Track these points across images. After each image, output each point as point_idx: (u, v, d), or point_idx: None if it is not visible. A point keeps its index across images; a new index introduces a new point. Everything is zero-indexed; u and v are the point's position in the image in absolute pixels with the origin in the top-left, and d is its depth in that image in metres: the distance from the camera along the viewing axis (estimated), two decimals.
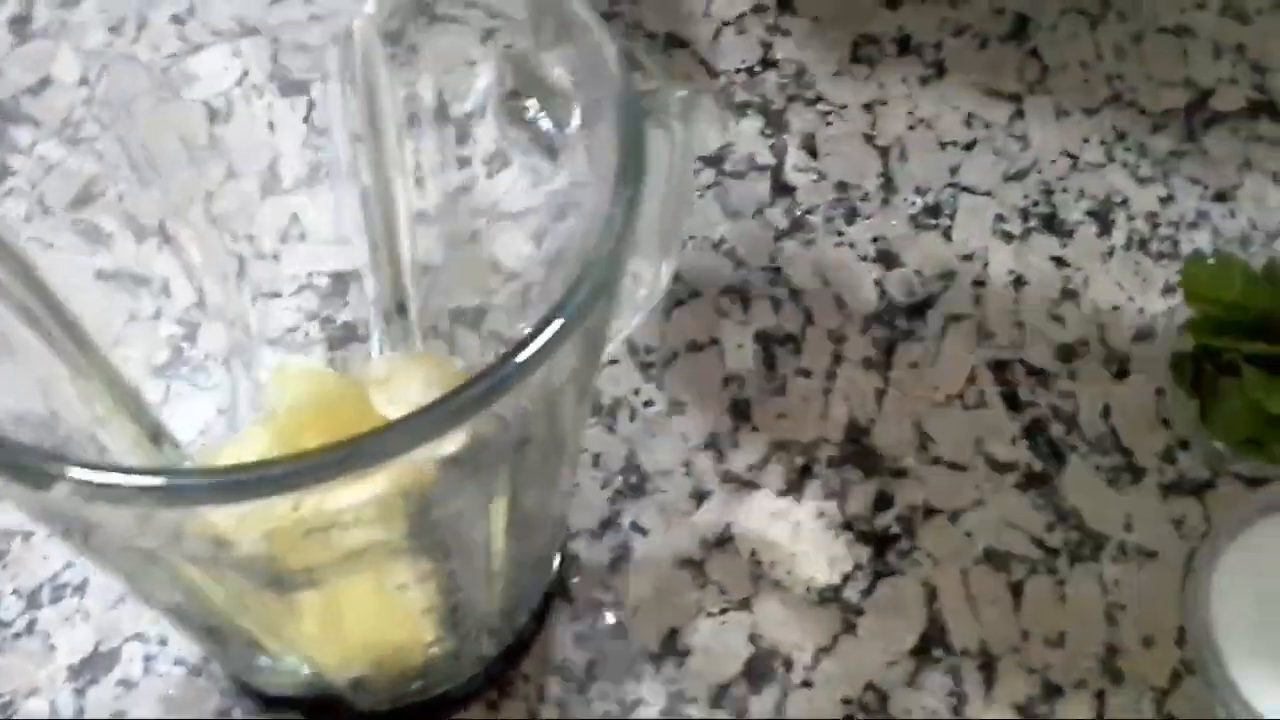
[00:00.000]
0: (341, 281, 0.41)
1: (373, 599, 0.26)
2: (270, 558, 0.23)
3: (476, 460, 0.21)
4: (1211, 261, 0.43)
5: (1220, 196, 0.50)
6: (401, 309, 0.35)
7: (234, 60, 0.35)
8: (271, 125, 0.38)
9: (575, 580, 0.40)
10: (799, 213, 0.49)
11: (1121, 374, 0.45)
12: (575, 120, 0.24)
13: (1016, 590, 0.40)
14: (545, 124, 0.25)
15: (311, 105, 0.33)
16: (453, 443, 0.20)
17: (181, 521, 0.20)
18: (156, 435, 0.32)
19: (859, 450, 0.43)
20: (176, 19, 0.36)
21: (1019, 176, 0.50)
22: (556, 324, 0.19)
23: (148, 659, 0.38)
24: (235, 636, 0.28)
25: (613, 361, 0.45)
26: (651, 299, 0.34)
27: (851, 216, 0.49)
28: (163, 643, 0.38)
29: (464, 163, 0.31)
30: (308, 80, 0.32)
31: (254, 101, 0.38)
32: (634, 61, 0.27)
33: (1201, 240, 0.48)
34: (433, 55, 0.28)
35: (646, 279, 0.34)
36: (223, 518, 0.20)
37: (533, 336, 0.19)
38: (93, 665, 0.38)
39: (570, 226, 0.28)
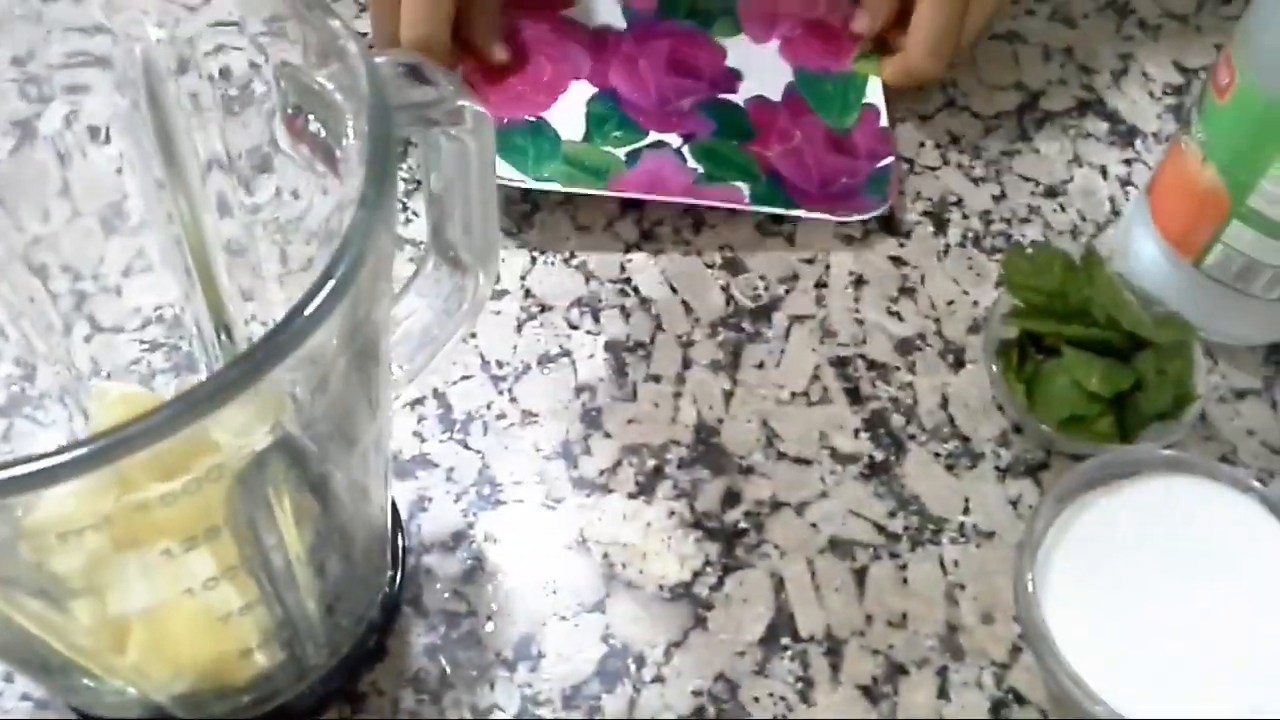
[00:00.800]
0: (178, 315, 0.41)
1: (187, 611, 0.27)
2: (85, 565, 0.23)
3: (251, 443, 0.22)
4: (1031, 253, 0.45)
5: (1050, 192, 0.52)
6: (228, 333, 0.36)
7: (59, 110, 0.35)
8: (83, 156, 0.38)
9: (429, 592, 0.40)
10: (647, 225, 0.50)
11: (958, 364, 0.46)
12: (349, 130, 0.25)
13: (860, 576, 0.41)
14: (326, 139, 0.26)
15: (108, 141, 0.33)
16: (231, 416, 0.21)
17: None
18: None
19: (708, 450, 0.44)
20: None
21: None
22: (314, 302, 0.20)
23: None
24: (56, 664, 0.28)
25: (466, 377, 0.45)
26: (476, 305, 0.35)
27: (698, 226, 0.50)
28: (9, 679, 0.38)
29: (263, 187, 0.32)
30: (108, 120, 0.32)
31: (82, 142, 0.38)
32: (423, 76, 0.28)
33: (1033, 234, 0.50)
34: (219, 81, 0.29)
35: (469, 289, 0.35)
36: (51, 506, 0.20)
37: (293, 314, 0.20)
38: None
39: None
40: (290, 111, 0.27)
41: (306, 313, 0.21)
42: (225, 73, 0.29)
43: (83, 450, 0.20)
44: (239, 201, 0.32)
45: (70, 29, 0.32)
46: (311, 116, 0.26)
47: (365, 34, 0.52)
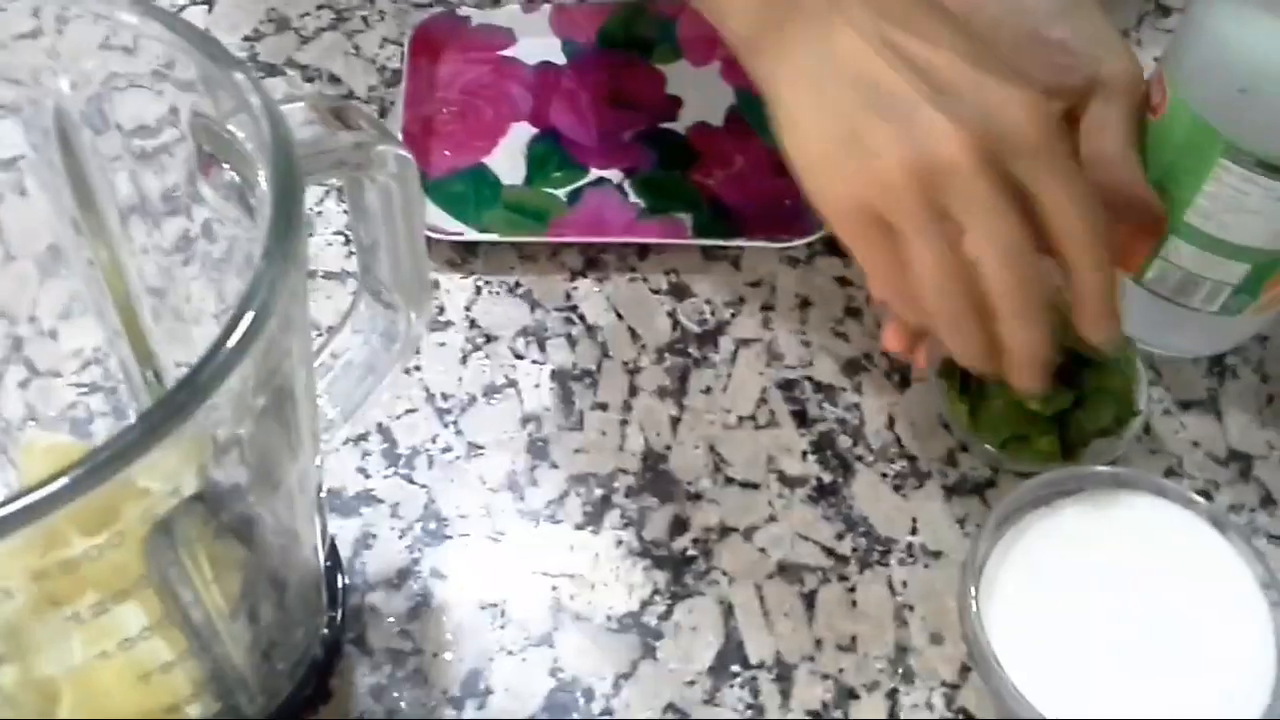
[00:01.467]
0: (102, 356, 0.41)
1: (115, 667, 0.26)
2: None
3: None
4: None
5: None
6: (157, 376, 0.35)
7: None
8: (20, 196, 0.38)
9: (373, 631, 0.40)
10: (593, 253, 0.50)
11: (904, 383, 0.46)
12: (260, 177, 0.25)
13: (809, 600, 0.41)
14: (239, 186, 0.26)
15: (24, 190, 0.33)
16: (152, 465, 0.20)
17: None
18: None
19: (656, 477, 0.44)
20: None
21: None
22: (222, 352, 0.20)
23: None
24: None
25: (410, 410, 0.45)
26: (409, 344, 0.35)
27: (644, 253, 0.50)
28: None
29: (180, 229, 0.32)
30: (18, 166, 0.32)
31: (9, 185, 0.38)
32: (346, 121, 0.28)
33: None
34: (130, 130, 0.29)
35: (402, 327, 0.35)
36: None
37: (185, 383, 0.20)
38: None
39: None
40: (203, 160, 0.26)
41: (214, 362, 0.20)
42: (139, 123, 0.29)
43: (12, 507, 0.19)
44: (157, 244, 0.32)
45: None
46: (226, 165, 0.26)
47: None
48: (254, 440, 0.23)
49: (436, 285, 0.48)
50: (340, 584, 0.39)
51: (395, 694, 0.39)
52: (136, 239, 0.31)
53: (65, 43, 0.27)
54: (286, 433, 0.25)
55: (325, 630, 0.36)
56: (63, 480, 0.19)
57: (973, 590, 0.38)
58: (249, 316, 0.21)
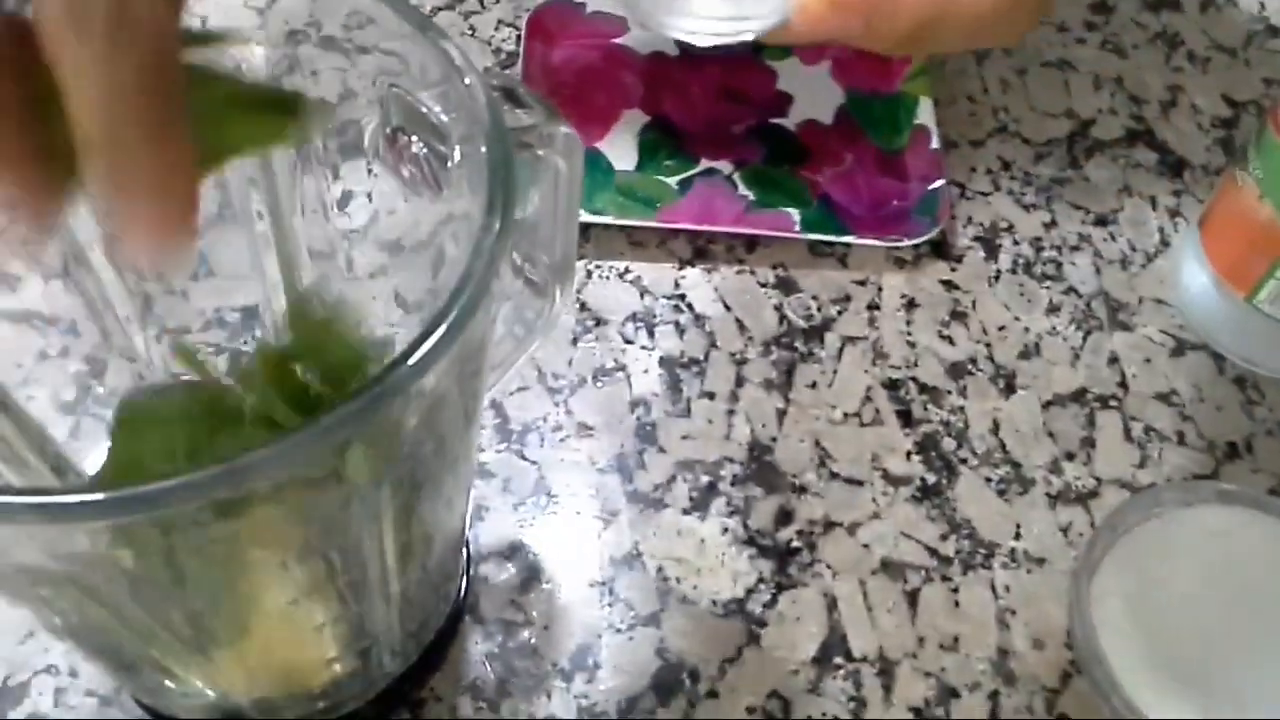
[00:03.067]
0: (250, 316, 0.42)
1: (274, 621, 0.27)
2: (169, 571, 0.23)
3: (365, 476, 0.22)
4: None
5: (1100, 221, 0.52)
6: None
7: None
8: None
9: (486, 601, 0.41)
10: (701, 242, 0.50)
11: (1009, 390, 0.47)
12: (455, 155, 0.25)
13: (912, 598, 0.42)
14: (428, 159, 0.26)
15: None
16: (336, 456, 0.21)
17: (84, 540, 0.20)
18: (59, 468, 0.32)
19: (761, 468, 0.44)
20: None
21: None
22: (427, 344, 0.20)
23: (59, 691, 0.38)
24: (140, 661, 0.28)
25: (522, 388, 0.46)
26: (549, 324, 0.36)
27: (751, 245, 0.50)
28: (73, 674, 0.38)
29: (355, 198, 0.32)
30: None
31: None
32: (518, 99, 0.29)
33: (1083, 262, 0.51)
34: (319, 94, 0.30)
35: (544, 306, 0.35)
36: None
37: (404, 357, 0.20)
38: (1, 699, 0.38)
39: (456, 256, 0.29)
40: (390, 131, 0.27)
41: (426, 348, 0.21)
42: (329, 86, 0.29)
43: (253, 457, 0.20)
44: (330, 207, 0.32)
45: None
46: (414, 137, 0.27)
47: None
48: (445, 409, 0.24)
49: None
50: (467, 553, 0.40)
51: (506, 663, 0.40)
52: (307, 202, 0.32)
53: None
54: (466, 405, 0.26)
55: (454, 596, 0.37)
56: (328, 419, 0.19)
57: (1085, 595, 0.38)
58: (468, 292, 0.21)
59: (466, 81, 0.24)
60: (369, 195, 0.32)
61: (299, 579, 0.25)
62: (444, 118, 0.26)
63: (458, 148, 0.25)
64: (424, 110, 0.26)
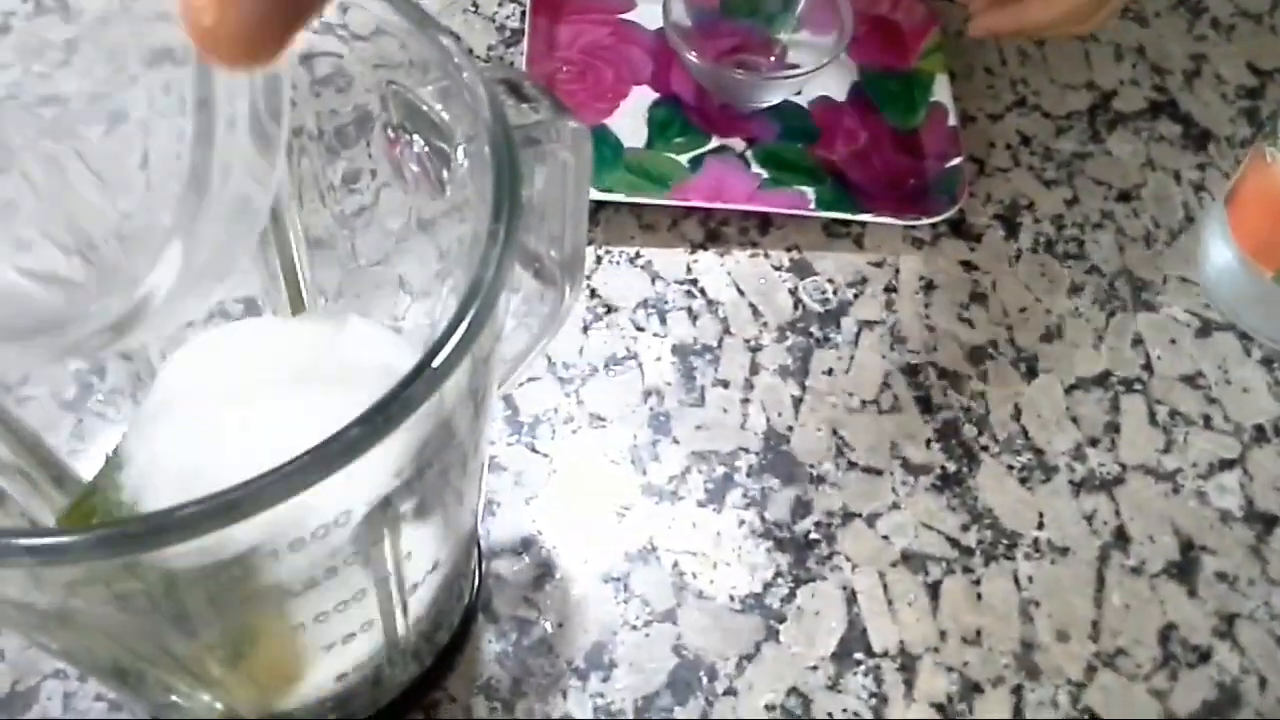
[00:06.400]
0: (252, 307, 0.41)
1: (283, 640, 0.26)
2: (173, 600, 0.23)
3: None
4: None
5: (1123, 196, 0.51)
6: None
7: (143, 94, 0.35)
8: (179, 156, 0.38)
9: (499, 598, 0.40)
10: (713, 225, 0.49)
11: (1030, 374, 0.46)
12: (459, 151, 0.24)
13: (934, 590, 0.41)
14: (430, 158, 0.25)
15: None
16: (351, 473, 0.20)
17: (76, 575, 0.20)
18: (59, 478, 0.32)
19: (778, 458, 0.44)
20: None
21: None
22: (438, 359, 0.19)
23: (67, 696, 0.38)
24: (145, 679, 0.27)
25: (533, 379, 0.45)
26: (560, 320, 0.35)
27: (765, 227, 0.49)
28: (83, 679, 0.38)
29: (355, 190, 0.31)
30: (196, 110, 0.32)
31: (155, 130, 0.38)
32: (523, 94, 0.28)
33: (1106, 240, 0.50)
34: (317, 87, 0.29)
35: (554, 301, 0.34)
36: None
37: (414, 375, 0.19)
38: (10, 705, 0.37)
39: (460, 251, 0.28)
40: (392, 130, 0.26)
41: (441, 357, 0.20)
42: (331, 84, 0.28)
43: (266, 480, 0.19)
44: (326, 188, 0.31)
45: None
46: (416, 135, 0.26)
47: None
48: (461, 413, 0.23)
49: None
50: (479, 549, 0.39)
51: (520, 662, 0.39)
52: (307, 198, 0.31)
53: None
54: (476, 403, 0.25)
55: (467, 595, 0.36)
56: (337, 442, 0.18)
57: None
58: (477, 302, 0.20)
59: (467, 79, 0.23)
60: (372, 173, 0.31)
61: (330, 592, 0.24)
62: (445, 116, 0.24)
63: (461, 148, 0.24)
64: (424, 108, 0.25)
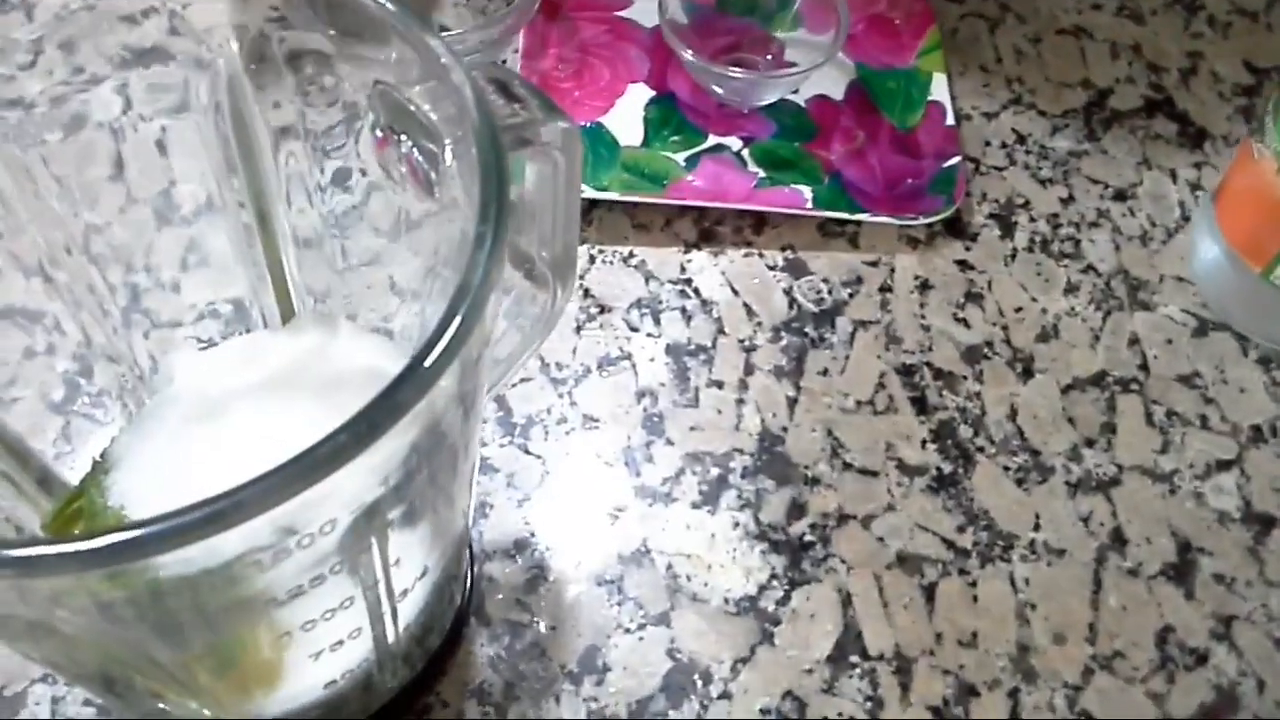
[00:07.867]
0: (241, 308, 0.41)
1: (267, 645, 0.26)
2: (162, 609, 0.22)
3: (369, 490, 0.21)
4: None
5: (1119, 195, 0.51)
6: None
7: (115, 97, 0.35)
8: (163, 149, 0.37)
9: (491, 601, 0.40)
10: (707, 224, 0.49)
11: (1026, 374, 0.45)
12: (447, 152, 0.24)
13: (929, 593, 0.41)
14: (418, 155, 0.25)
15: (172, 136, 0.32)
16: (336, 481, 0.20)
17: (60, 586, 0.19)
18: (44, 481, 0.31)
19: (772, 459, 0.43)
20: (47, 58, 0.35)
21: None
22: (425, 364, 0.19)
23: (55, 700, 0.37)
24: (133, 687, 0.27)
25: (525, 380, 0.45)
26: (552, 321, 0.34)
27: (759, 226, 0.49)
28: (70, 684, 0.37)
29: (344, 190, 0.31)
30: (177, 112, 0.31)
31: (142, 132, 0.37)
32: (512, 94, 0.27)
33: (1102, 239, 0.49)
34: (304, 88, 0.28)
35: (546, 302, 0.34)
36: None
37: (402, 379, 0.19)
38: None
39: (449, 252, 0.28)
40: (380, 131, 0.26)
41: (428, 362, 0.20)
42: (311, 79, 0.28)
43: (251, 491, 0.18)
44: (314, 188, 0.31)
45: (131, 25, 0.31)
46: (404, 137, 0.25)
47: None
48: (451, 416, 0.23)
49: None
50: (470, 552, 0.39)
51: (513, 666, 0.39)
52: (295, 199, 0.31)
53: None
54: (467, 406, 0.24)
55: (459, 599, 0.36)
56: (321, 449, 0.18)
57: None
58: (465, 304, 0.20)
59: (454, 80, 0.23)
60: (361, 173, 0.31)
61: (317, 600, 0.24)
62: (433, 116, 0.24)
63: (449, 149, 0.24)
64: (412, 109, 0.24)
